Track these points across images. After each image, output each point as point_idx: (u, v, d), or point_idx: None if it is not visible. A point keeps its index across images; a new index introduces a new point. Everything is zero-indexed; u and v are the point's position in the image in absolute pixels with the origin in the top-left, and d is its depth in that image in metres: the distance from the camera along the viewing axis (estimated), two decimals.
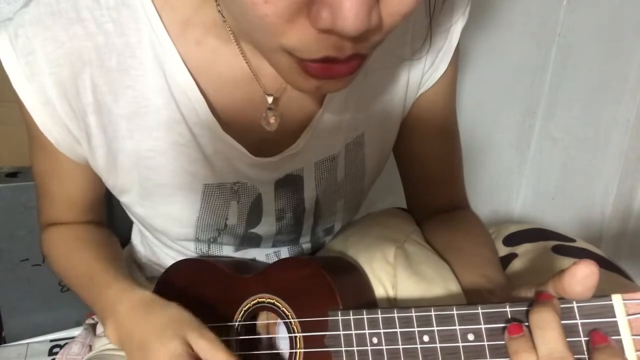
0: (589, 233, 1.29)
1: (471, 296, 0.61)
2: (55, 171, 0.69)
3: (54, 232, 0.74)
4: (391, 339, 0.51)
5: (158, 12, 0.57)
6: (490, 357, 0.46)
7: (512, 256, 0.70)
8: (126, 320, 0.60)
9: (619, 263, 0.66)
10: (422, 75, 0.70)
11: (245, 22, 0.43)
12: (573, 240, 0.70)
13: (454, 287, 0.62)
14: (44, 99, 0.59)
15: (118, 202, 0.72)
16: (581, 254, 0.67)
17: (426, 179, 0.79)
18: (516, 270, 0.68)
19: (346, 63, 0.44)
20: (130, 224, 0.86)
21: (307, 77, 0.45)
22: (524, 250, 0.70)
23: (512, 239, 0.74)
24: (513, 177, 1.41)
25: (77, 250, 0.71)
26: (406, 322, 0.50)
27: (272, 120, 0.62)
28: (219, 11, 0.54)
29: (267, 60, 0.47)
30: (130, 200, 0.68)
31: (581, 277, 0.41)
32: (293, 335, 0.58)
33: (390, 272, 0.63)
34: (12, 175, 0.97)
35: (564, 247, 0.68)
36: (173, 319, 0.58)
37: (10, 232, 0.96)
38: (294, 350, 0.57)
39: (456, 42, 0.70)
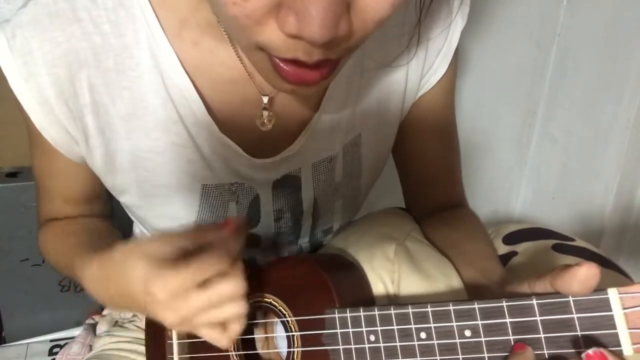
0: (589, 232, 1.29)
1: (471, 291, 0.61)
2: (53, 169, 0.69)
3: (50, 226, 0.74)
4: (388, 336, 0.51)
5: (155, 13, 0.57)
6: (487, 353, 0.46)
7: (511, 254, 0.70)
8: (96, 275, 0.56)
9: (619, 262, 0.66)
10: (421, 77, 0.70)
11: (223, 20, 0.44)
12: (572, 240, 0.70)
13: (455, 283, 0.62)
14: (42, 99, 0.59)
15: (118, 201, 0.72)
16: (580, 252, 0.67)
17: (425, 179, 0.79)
18: (516, 268, 0.68)
19: (316, 69, 0.44)
20: (130, 223, 0.87)
21: (282, 80, 0.45)
22: (524, 248, 0.70)
23: (512, 238, 0.74)
24: (513, 177, 1.41)
25: (69, 235, 0.71)
26: (403, 319, 0.50)
27: (266, 120, 0.62)
28: (214, 12, 0.54)
29: (248, 58, 0.47)
30: (129, 200, 0.68)
31: (582, 278, 0.41)
32: (291, 334, 0.58)
33: (390, 269, 0.63)
34: (12, 175, 0.97)
35: (564, 245, 0.68)
36: (128, 248, 0.53)
37: (10, 232, 0.97)
38: (292, 349, 0.57)
39: (455, 44, 0.70)
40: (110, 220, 0.79)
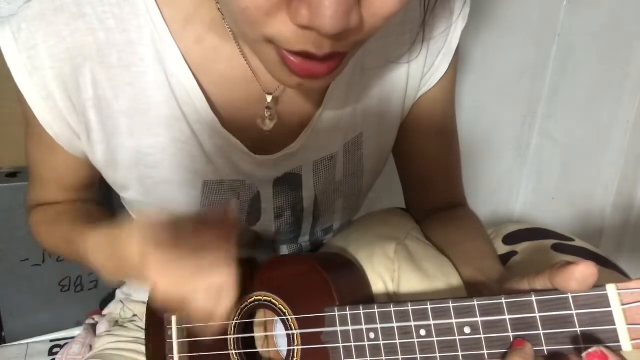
0: (588, 232, 1.28)
1: (471, 290, 0.61)
2: (52, 163, 0.69)
3: (42, 210, 0.74)
4: (388, 333, 0.50)
5: (159, 9, 0.57)
6: (487, 350, 0.46)
7: (511, 254, 0.70)
8: (101, 250, 0.58)
9: (619, 262, 0.66)
10: (422, 77, 0.70)
11: (230, 13, 0.44)
12: (572, 240, 0.70)
13: (455, 282, 0.63)
14: (45, 93, 0.60)
15: (118, 201, 0.72)
16: (580, 252, 0.67)
17: (425, 178, 0.79)
18: (515, 267, 0.68)
19: (325, 62, 0.44)
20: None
21: (290, 73, 0.45)
22: (524, 248, 0.70)
23: (512, 238, 0.74)
24: (513, 177, 1.41)
25: (60, 215, 0.72)
26: (403, 316, 0.50)
27: (268, 119, 0.62)
28: (219, 9, 0.55)
29: (254, 52, 0.48)
30: (130, 196, 0.68)
31: (580, 276, 0.41)
32: (291, 332, 0.58)
33: (390, 267, 0.63)
34: (12, 175, 0.97)
35: (563, 245, 0.68)
36: (134, 224, 0.55)
37: (10, 232, 0.96)
38: (291, 348, 0.57)
39: (456, 44, 0.70)
40: (102, 205, 0.80)
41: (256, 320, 0.66)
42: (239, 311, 0.62)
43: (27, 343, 1.04)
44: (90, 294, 1.06)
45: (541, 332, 0.44)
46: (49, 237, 0.72)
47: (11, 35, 0.58)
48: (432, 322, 0.48)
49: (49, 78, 0.59)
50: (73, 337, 0.98)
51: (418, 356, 0.49)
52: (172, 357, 0.66)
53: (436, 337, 0.48)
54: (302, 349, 0.56)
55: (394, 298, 0.62)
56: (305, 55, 0.43)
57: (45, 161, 0.70)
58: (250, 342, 0.65)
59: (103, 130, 0.62)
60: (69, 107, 0.61)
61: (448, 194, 0.80)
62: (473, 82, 1.28)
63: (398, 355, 0.50)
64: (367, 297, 0.62)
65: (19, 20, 0.58)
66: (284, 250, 0.80)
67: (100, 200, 0.80)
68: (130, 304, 0.88)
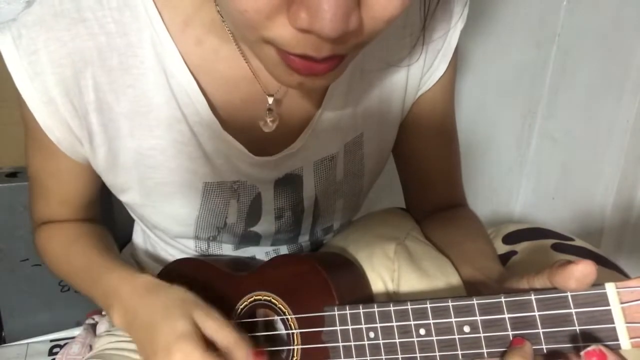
0: (588, 232, 1.29)
1: (470, 290, 0.61)
2: (53, 170, 0.69)
3: (48, 230, 0.74)
4: (388, 332, 0.51)
5: (159, 12, 0.58)
6: (486, 348, 0.46)
7: (511, 253, 0.70)
8: (131, 302, 0.59)
9: (619, 262, 0.66)
10: (421, 77, 0.70)
11: (230, 15, 0.44)
12: (571, 239, 0.70)
13: (455, 281, 0.63)
14: (47, 98, 0.60)
15: (118, 201, 0.72)
16: (580, 252, 0.67)
17: (425, 178, 0.79)
18: (515, 267, 0.68)
19: (325, 62, 0.44)
20: (131, 223, 0.86)
21: (291, 72, 0.45)
22: (523, 248, 0.70)
23: (512, 238, 0.74)
24: (513, 177, 1.41)
25: (73, 243, 0.71)
26: (402, 315, 0.50)
27: (270, 121, 0.62)
28: (218, 11, 0.55)
29: (254, 53, 0.48)
30: (130, 198, 0.68)
31: (579, 275, 0.41)
32: (290, 332, 0.58)
33: (389, 267, 0.63)
34: (12, 175, 0.97)
35: (563, 245, 0.68)
36: (179, 299, 0.57)
37: (10, 232, 0.96)
38: (291, 347, 0.57)
39: (455, 43, 0.70)
40: (103, 225, 0.80)
41: (256, 319, 0.66)
42: (239, 311, 0.62)
43: (27, 343, 1.04)
44: None
45: (540, 330, 0.44)
46: (59, 259, 0.72)
47: (12, 41, 0.58)
48: (431, 321, 0.48)
49: (50, 83, 0.59)
50: (73, 337, 0.97)
51: (418, 355, 0.49)
52: None
53: (436, 336, 0.48)
54: (301, 348, 0.57)
55: (393, 298, 0.62)
56: (304, 57, 0.43)
57: (46, 168, 0.69)
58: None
59: (104, 133, 0.62)
60: (71, 111, 0.61)
61: (448, 193, 0.80)
62: (473, 82, 1.28)
63: (398, 354, 0.50)
64: (366, 297, 0.62)
65: (19, 26, 0.58)
66: (284, 250, 0.80)
67: (102, 219, 0.80)
68: None
